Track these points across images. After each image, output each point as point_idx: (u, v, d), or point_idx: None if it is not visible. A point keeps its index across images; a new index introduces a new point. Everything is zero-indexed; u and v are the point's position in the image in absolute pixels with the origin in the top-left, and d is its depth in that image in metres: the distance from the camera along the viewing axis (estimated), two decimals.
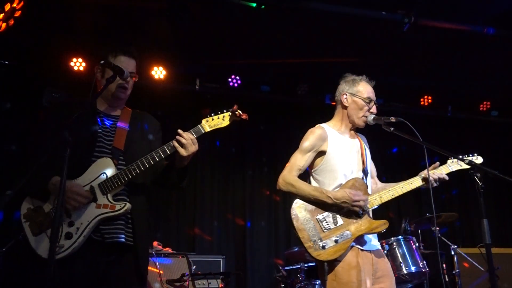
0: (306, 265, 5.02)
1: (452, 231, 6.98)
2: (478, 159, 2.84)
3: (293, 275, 5.24)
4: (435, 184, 2.70)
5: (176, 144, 2.31)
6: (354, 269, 2.51)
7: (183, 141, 2.29)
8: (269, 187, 6.82)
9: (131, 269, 2.30)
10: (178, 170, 2.44)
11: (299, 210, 2.60)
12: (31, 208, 2.26)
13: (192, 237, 6.33)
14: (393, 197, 2.68)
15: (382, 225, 2.61)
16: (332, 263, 2.53)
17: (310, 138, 2.73)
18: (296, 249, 5.05)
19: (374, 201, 2.66)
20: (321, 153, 2.73)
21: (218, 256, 5.69)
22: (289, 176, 2.65)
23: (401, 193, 2.70)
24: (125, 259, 2.30)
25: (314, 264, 4.99)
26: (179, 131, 2.32)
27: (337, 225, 2.57)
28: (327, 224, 2.57)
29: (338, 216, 2.59)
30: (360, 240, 2.61)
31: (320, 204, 2.60)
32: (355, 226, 2.58)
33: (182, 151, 2.30)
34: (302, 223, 2.56)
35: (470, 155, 2.85)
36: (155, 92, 6.11)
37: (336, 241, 2.53)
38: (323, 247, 2.51)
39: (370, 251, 2.64)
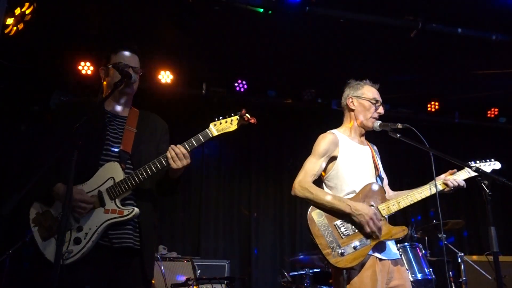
0: (311, 271, 5.00)
1: (459, 238, 6.93)
2: (496, 165, 2.80)
3: (298, 281, 5.22)
4: (452, 191, 2.65)
5: (169, 156, 2.30)
6: (370, 279, 2.45)
7: (170, 161, 2.28)
8: (275, 192, 6.81)
9: (137, 273, 2.30)
10: (171, 180, 2.43)
11: (316, 216, 2.55)
12: (39, 213, 2.26)
13: (197, 242, 6.33)
14: (411, 202, 2.62)
15: (401, 231, 2.57)
16: (349, 272, 2.48)
17: (323, 143, 2.70)
18: (301, 255, 5.04)
19: (393, 207, 2.60)
20: (333, 159, 2.70)
21: (223, 260, 5.69)
22: (305, 181, 2.61)
23: (419, 198, 2.64)
24: (132, 263, 2.30)
25: (319, 270, 4.97)
26: (172, 146, 2.32)
27: (356, 231, 2.52)
28: (346, 230, 2.52)
29: (355, 222, 2.54)
30: (378, 247, 2.55)
31: (336, 212, 2.54)
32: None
33: (173, 164, 2.29)
34: (320, 229, 2.51)
35: (488, 160, 2.83)
36: (162, 96, 6.15)
37: (355, 248, 2.47)
38: (342, 254, 2.45)
39: (388, 260, 2.59)
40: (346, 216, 2.54)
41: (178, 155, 2.28)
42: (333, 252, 2.46)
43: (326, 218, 2.54)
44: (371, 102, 2.78)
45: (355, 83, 2.90)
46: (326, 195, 2.57)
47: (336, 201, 2.54)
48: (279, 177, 6.87)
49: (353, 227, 2.53)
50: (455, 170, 2.74)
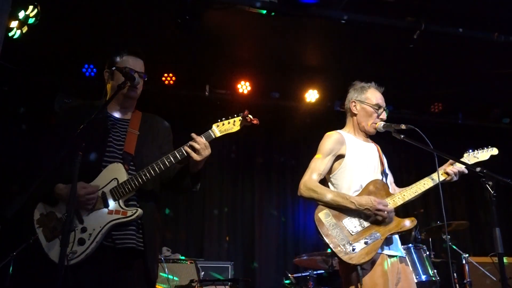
0: (315, 272, 4.98)
1: (463, 239, 6.90)
2: (494, 151, 2.83)
3: (301, 283, 5.21)
4: (455, 178, 2.70)
5: (188, 150, 2.29)
6: (380, 277, 2.47)
7: (197, 146, 2.27)
8: (278, 193, 6.81)
9: (140, 274, 2.30)
10: (192, 175, 2.42)
11: (323, 216, 2.55)
12: (44, 214, 2.27)
13: (200, 243, 6.33)
14: (416, 194, 2.65)
15: (410, 222, 2.57)
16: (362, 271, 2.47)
17: (328, 142, 2.71)
18: (305, 256, 5.02)
19: (398, 200, 2.61)
20: (340, 157, 2.71)
21: (226, 262, 5.69)
22: (310, 181, 2.61)
23: (423, 189, 2.66)
24: (135, 264, 2.30)
25: (323, 271, 4.96)
26: (193, 135, 2.30)
27: (365, 226, 2.53)
28: (355, 227, 2.52)
29: (364, 217, 2.55)
30: (387, 242, 2.55)
31: (343, 210, 2.56)
32: (383, 226, 2.54)
33: (195, 156, 2.28)
34: (328, 228, 2.51)
35: (485, 147, 2.85)
36: (165, 98, 6.16)
37: (366, 243, 2.47)
38: (354, 250, 2.45)
39: (396, 258, 2.60)
40: (353, 213, 2.55)
41: (202, 146, 2.27)
42: (344, 250, 2.45)
43: (333, 218, 2.54)
44: (374, 108, 2.78)
45: (359, 86, 2.89)
46: (330, 194, 2.58)
47: (340, 198, 2.55)
48: (282, 179, 6.86)
49: (361, 223, 2.54)
50: (452, 161, 2.76)
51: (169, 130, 2.64)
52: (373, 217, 2.52)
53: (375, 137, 2.93)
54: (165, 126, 2.64)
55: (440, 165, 2.72)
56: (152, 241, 2.36)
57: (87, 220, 2.23)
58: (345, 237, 2.49)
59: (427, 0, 4.81)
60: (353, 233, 2.50)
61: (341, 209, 2.56)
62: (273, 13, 4.76)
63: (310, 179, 2.62)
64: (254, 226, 6.56)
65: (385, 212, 2.51)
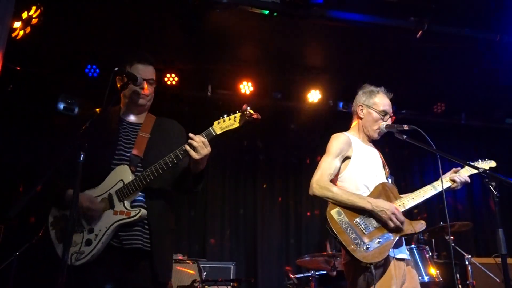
0: (317, 273, 4.98)
1: (466, 240, 6.88)
2: (492, 163, 2.85)
3: (303, 283, 5.21)
4: (459, 187, 2.72)
5: (187, 148, 2.28)
6: (388, 282, 2.47)
7: (194, 143, 2.26)
8: (280, 194, 6.80)
9: (147, 275, 2.29)
10: (194, 175, 2.42)
11: (335, 214, 2.53)
12: (57, 217, 2.32)
13: (202, 244, 6.34)
14: (424, 198, 2.67)
15: (420, 224, 2.58)
16: (368, 273, 2.47)
17: (337, 143, 2.71)
18: (307, 257, 5.02)
19: (407, 203, 2.62)
20: (346, 159, 2.71)
21: (228, 262, 5.70)
22: (322, 181, 2.59)
23: (432, 194, 2.68)
24: (142, 265, 2.30)
25: (325, 272, 4.96)
26: (190, 134, 2.30)
27: (377, 226, 2.52)
28: (367, 226, 2.51)
29: (376, 218, 2.54)
30: (395, 245, 2.55)
31: (356, 209, 2.54)
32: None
33: (194, 155, 2.27)
34: (341, 226, 2.49)
35: (484, 160, 2.87)
36: (168, 98, 6.17)
37: (379, 242, 2.46)
38: (367, 249, 2.43)
39: (403, 260, 2.61)
40: (366, 213, 2.54)
41: (200, 144, 2.26)
42: (358, 248, 2.43)
43: (345, 216, 2.53)
44: (380, 115, 2.79)
45: (369, 89, 2.90)
46: (346, 193, 2.57)
47: (356, 198, 2.54)
48: (284, 179, 6.86)
49: (373, 223, 2.53)
50: (459, 168, 2.79)
51: (183, 133, 2.62)
52: (386, 222, 2.50)
53: (377, 141, 2.94)
54: (178, 128, 2.65)
55: (443, 166, 2.71)
56: (159, 240, 2.35)
57: (95, 221, 2.26)
58: (358, 236, 2.47)
59: (430, 0, 4.80)
60: (366, 232, 2.49)
61: (354, 209, 2.55)
62: (275, 14, 4.76)
63: (322, 179, 2.60)
64: (257, 226, 6.55)
65: (398, 220, 2.49)
